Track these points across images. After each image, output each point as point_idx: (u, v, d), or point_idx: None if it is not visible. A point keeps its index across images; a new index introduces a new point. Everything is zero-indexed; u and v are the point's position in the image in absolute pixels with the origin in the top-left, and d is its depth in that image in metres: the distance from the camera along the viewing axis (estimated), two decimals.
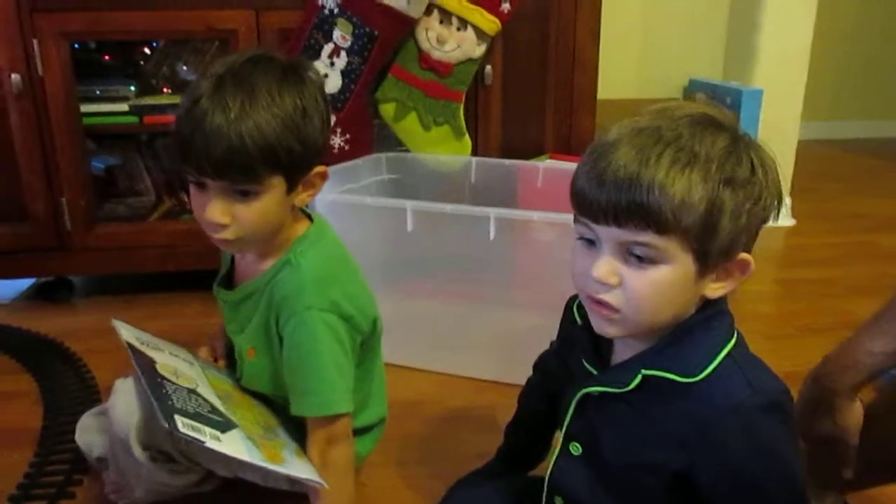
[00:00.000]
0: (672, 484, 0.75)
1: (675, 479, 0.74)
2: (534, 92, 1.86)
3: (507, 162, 1.77)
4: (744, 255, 0.72)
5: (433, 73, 1.71)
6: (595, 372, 0.80)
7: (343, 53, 1.67)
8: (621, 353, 0.79)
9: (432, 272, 1.54)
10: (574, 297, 0.87)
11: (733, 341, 0.74)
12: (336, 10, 1.64)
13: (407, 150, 1.82)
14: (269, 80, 0.85)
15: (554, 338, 0.96)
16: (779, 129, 2.36)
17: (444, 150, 1.78)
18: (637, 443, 0.76)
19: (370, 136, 1.80)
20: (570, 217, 1.39)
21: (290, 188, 0.90)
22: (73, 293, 1.93)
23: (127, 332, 0.99)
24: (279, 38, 1.67)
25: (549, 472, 0.86)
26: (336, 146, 1.72)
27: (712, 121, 0.70)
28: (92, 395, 1.42)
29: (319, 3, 1.65)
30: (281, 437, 0.97)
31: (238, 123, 0.81)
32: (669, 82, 2.48)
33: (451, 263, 1.50)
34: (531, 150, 1.87)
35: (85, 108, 1.73)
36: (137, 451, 0.92)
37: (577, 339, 0.83)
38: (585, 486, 0.82)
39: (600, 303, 0.72)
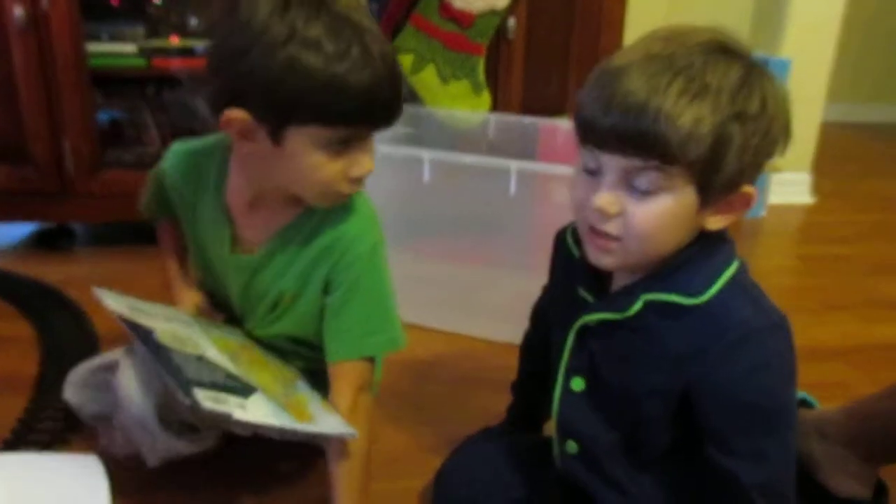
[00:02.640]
0: (675, 409, 0.75)
1: (676, 403, 0.74)
2: (558, 49, 1.80)
3: (527, 120, 1.71)
4: (747, 188, 0.70)
5: (454, 23, 1.64)
6: (593, 301, 0.78)
7: None
8: (619, 281, 0.78)
9: (448, 231, 1.48)
10: (564, 231, 0.86)
11: (735, 265, 0.74)
12: None
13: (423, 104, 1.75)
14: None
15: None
16: (805, 100, 2.30)
17: (463, 106, 1.72)
18: (639, 368, 0.75)
19: None
20: None
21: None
22: (75, 241, 1.88)
23: (114, 302, 0.89)
24: None
25: (555, 415, 0.84)
26: None
27: (726, 49, 0.68)
28: (91, 343, 1.38)
29: None
30: (301, 391, 0.92)
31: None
32: None
33: (468, 221, 1.45)
34: (552, 109, 1.81)
35: (92, 47, 1.67)
36: (158, 431, 0.86)
37: (574, 270, 0.81)
38: (595, 422, 0.80)
39: (599, 233, 0.71)
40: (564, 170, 1.36)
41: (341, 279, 0.89)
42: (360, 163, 0.83)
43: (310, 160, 0.80)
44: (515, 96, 1.80)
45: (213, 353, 0.86)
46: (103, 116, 1.88)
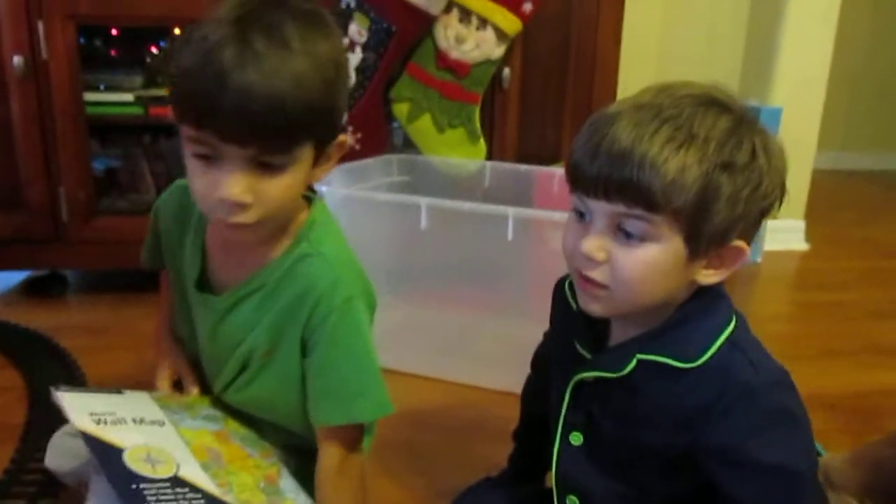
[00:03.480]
0: (677, 465, 0.73)
1: (678, 460, 0.72)
2: (552, 97, 1.82)
3: (523, 167, 1.72)
4: (738, 243, 0.69)
5: (450, 72, 1.66)
6: (589, 357, 0.77)
7: (358, 49, 1.63)
8: (617, 337, 0.76)
9: (446, 277, 1.48)
10: (563, 281, 0.85)
11: (732, 325, 0.72)
12: (353, 4, 1.60)
13: (418, 152, 1.77)
14: (298, 25, 0.71)
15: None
16: (796, 149, 2.32)
17: (458, 154, 1.73)
18: (637, 426, 0.74)
19: (383, 136, 1.75)
20: None
21: (317, 159, 0.79)
22: (67, 288, 1.87)
23: (77, 409, 0.79)
24: None
25: (555, 469, 0.82)
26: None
27: (716, 101, 0.68)
28: None
29: None
30: (288, 493, 0.86)
31: (275, 78, 0.68)
32: None
33: (466, 268, 1.45)
34: (547, 156, 1.82)
35: (89, 96, 1.68)
36: None
37: (572, 322, 0.80)
38: (594, 476, 0.78)
39: (587, 279, 0.70)
40: (561, 216, 1.35)
41: (317, 337, 0.81)
42: (220, 184, 0.72)
43: (189, 165, 0.75)
44: (511, 144, 1.81)
45: (188, 468, 0.78)
46: (99, 164, 1.88)
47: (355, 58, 1.64)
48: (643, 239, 0.67)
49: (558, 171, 1.71)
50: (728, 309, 0.74)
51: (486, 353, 1.47)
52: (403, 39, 1.63)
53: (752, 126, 0.68)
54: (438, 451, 1.25)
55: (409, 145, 1.80)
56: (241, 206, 0.73)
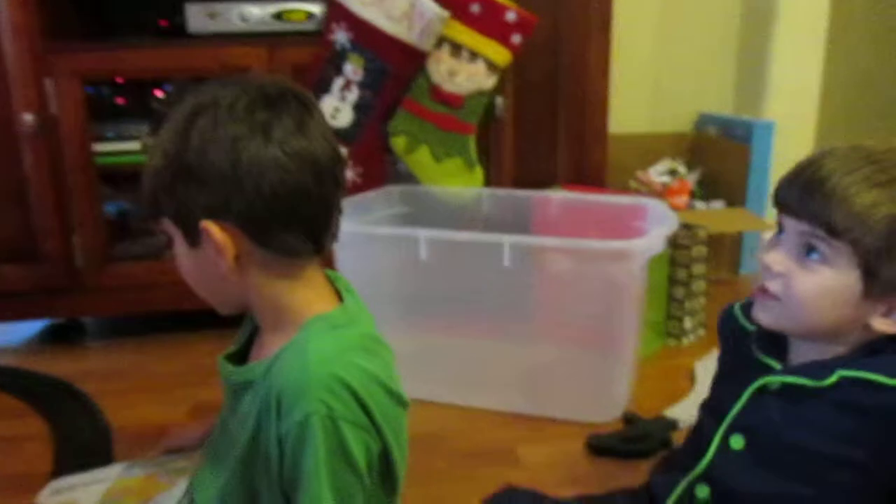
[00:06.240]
0: (849, 478, 0.76)
1: (853, 475, 0.75)
2: (545, 124, 1.86)
3: (520, 192, 1.76)
4: None
5: (445, 105, 1.71)
6: (777, 366, 0.81)
7: (355, 87, 1.68)
8: (799, 358, 0.81)
9: (449, 306, 1.51)
10: (731, 306, 0.90)
11: None
12: (348, 46, 1.65)
13: (419, 183, 1.81)
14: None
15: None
16: (791, 162, 2.35)
17: (457, 183, 1.77)
18: (821, 438, 0.76)
19: (383, 169, 1.79)
20: (586, 244, 1.39)
21: (191, 241, 0.74)
22: (86, 335, 1.92)
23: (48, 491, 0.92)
24: (292, 74, 1.68)
25: (703, 468, 0.84)
26: (349, 180, 1.71)
27: None
28: (104, 438, 1.39)
29: (331, 38, 1.66)
30: None
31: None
32: (681, 116, 2.48)
33: (468, 296, 1.48)
34: (543, 182, 1.86)
35: (99, 147, 1.74)
36: None
37: (750, 340, 0.84)
38: (747, 476, 0.81)
39: (762, 289, 0.77)
40: (555, 241, 1.40)
41: (286, 449, 0.70)
42: None
43: None
44: (507, 171, 1.85)
45: None
46: (110, 208, 1.93)
47: (352, 96, 1.70)
48: (822, 264, 0.73)
49: (554, 195, 1.75)
50: None
51: (492, 377, 1.50)
52: (399, 76, 1.68)
53: None
54: (448, 476, 1.28)
55: (411, 174, 1.85)
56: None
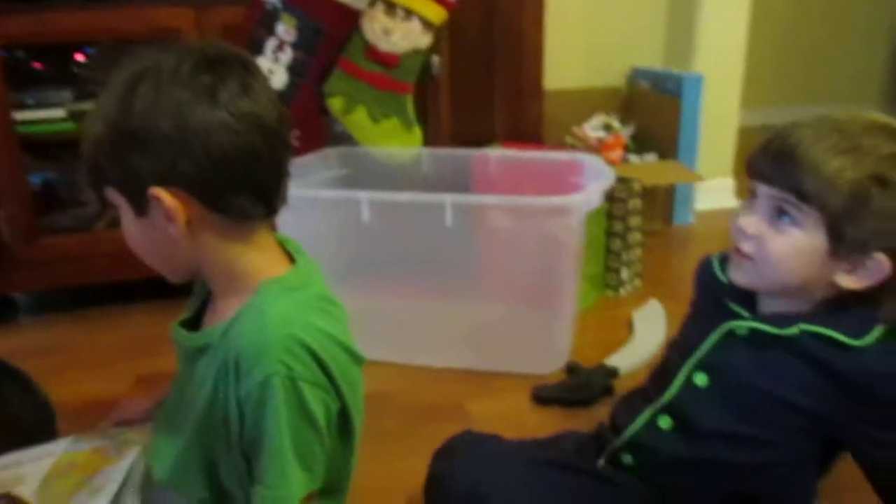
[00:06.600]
0: (805, 425, 0.82)
1: (809, 421, 0.81)
2: (482, 81, 1.87)
3: (459, 151, 1.77)
4: (880, 257, 0.77)
5: (381, 65, 1.69)
6: (746, 315, 0.86)
7: (288, 48, 1.65)
8: (767, 310, 0.86)
9: (394, 266, 1.52)
10: (709, 258, 0.94)
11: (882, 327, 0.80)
12: (279, 5, 1.62)
13: (357, 145, 1.79)
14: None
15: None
16: (720, 114, 2.41)
17: (395, 143, 1.76)
18: (782, 384, 0.81)
19: (320, 132, 1.78)
20: (527, 201, 1.41)
21: (138, 210, 0.73)
22: (18, 312, 1.85)
23: None
24: (222, 35, 1.63)
25: (669, 398, 0.89)
26: None
27: (891, 130, 0.78)
28: (47, 417, 1.35)
29: None
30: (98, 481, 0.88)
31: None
32: (614, 71, 2.51)
33: (411, 256, 1.49)
34: (481, 140, 1.87)
35: (19, 115, 1.66)
36: None
37: (724, 290, 0.89)
38: (707, 413, 0.86)
39: (738, 250, 0.82)
40: (496, 199, 1.41)
41: (246, 411, 0.72)
42: None
43: None
44: (445, 130, 1.86)
45: (22, 487, 0.88)
46: (35, 179, 1.86)
47: (286, 57, 1.66)
48: (792, 226, 0.78)
49: (493, 153, 1.76)
50: (875, 312, 0.81)
51: (440, 335, 1.52)
52: (332, 36, 1.65)
53: None
54: (396, 433, 1.30)
55: (349, 135, 1.83)
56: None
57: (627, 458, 0.93)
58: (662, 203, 2.37)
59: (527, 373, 1.45)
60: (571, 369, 1.47)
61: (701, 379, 0.88)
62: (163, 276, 0.81)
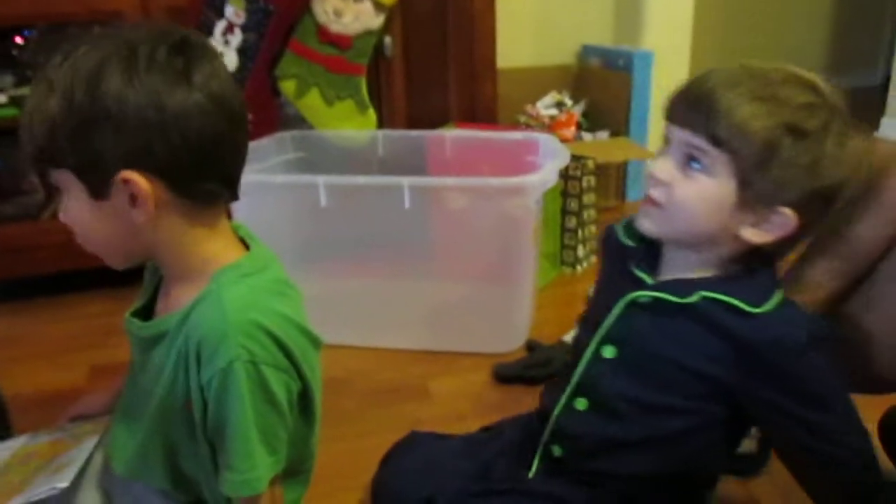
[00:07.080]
0: (710, 391, 0.81)
1: (714, 387, 0.81)
2: (435, 62, 1.86)
3: (414, 133, 1.76)
4: (786, 211, 0.76)
5: (333, 46, 1.68)
6: (649, 280, 0.85)
7: (238, 30, 1.62)
8: (669, 274, 0.85)
9: (352, 250, 1.52)
10: (613, 225, 0.93)
11: (782, 289, 0.80)
12: None
13: (311, 128, 1.78)
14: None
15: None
16: (670, 90, 2.44)
17: (350, 125, 1.75)
18: (687, 352, 0.81)
19: (274, 115, 1.75)
20: (484, 182, 1.42)
21: (96, 193, 0.70)
22: None
23: None
24: (168, 17, 1.60)
25: (577, 379, 0.89)
26: None
27: (810, 84, 0.76)
28: (1, 409, 1.33)
29: None
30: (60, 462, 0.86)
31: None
32: (564, 49, 2.52)
33: (370, 239, 1.49)
34: (437, 120, 1.87)
35: None
36: None
37: (628, 254, 0.87)
38: (617, 385, 0.85)
39: (648, 198, 0.81)
40: (453, 181, 1.42)
41: (209, 397, 0.72)
42: None
43: None
44: (399, 111, 1.85)
45: None
46: None
47: (236, 39, 1.63)
48: (702, 174, 0.76)
49: (448, 133, 1.76)
50: (775, 275, 0.82)
51: (398, 316, 1.53)
52: (282, 17, 1.63)
53: (835, 114, 0.75)
54: (358, 415, 1.31)
55: (303, 119, 1.81)
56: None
57: (557, 451, 0.92)
58: (616, 179, 2.40)
59: (487, 352, 1.47)
60: (531, 347, 1.49)
61: (609, 351, 0.86)
62: (107, 267, 0.79)
